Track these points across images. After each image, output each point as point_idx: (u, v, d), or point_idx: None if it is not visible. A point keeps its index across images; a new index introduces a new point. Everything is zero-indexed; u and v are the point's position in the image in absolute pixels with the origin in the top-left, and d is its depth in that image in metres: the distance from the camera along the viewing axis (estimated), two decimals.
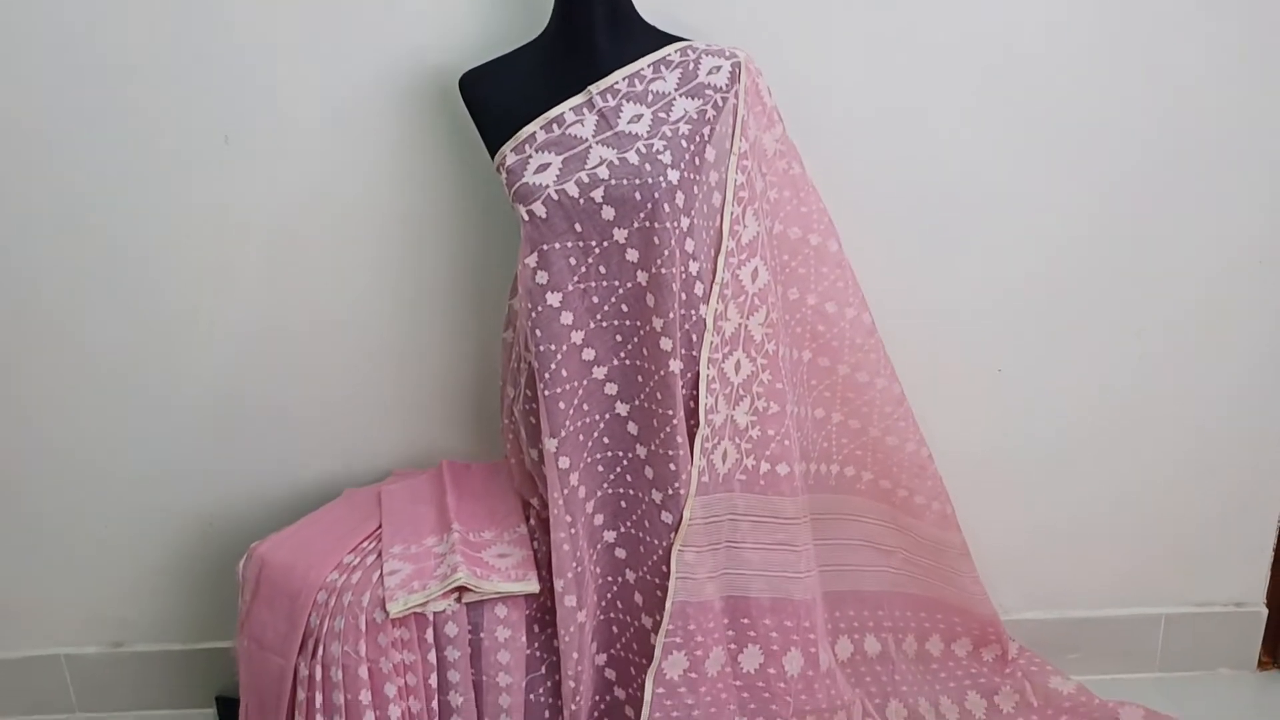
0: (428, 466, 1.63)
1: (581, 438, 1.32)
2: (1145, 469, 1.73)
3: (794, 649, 1.42)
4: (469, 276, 1.56)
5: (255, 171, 1.50)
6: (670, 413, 1.29)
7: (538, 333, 1.27)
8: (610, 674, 1.43)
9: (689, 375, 1.32)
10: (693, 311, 1.31)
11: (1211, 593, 1.80)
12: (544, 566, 1.39)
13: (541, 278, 1.26)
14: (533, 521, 1.44)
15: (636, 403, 1.33)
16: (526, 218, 1.25)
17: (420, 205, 1.52)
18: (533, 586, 1.35)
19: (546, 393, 1.28)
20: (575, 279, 1.27)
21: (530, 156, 1.26)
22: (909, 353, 1.57)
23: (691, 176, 1.27)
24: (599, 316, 1.30)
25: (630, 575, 1.39)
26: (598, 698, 1.43)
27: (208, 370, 1.61)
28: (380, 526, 1.46)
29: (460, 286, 1.57)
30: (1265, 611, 1.79)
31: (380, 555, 1.40)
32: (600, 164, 1.25)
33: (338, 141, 1.48)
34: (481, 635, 1.34)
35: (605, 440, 1.35)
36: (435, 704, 1.34)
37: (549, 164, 1.26)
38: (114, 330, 1.58)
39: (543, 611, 1.39)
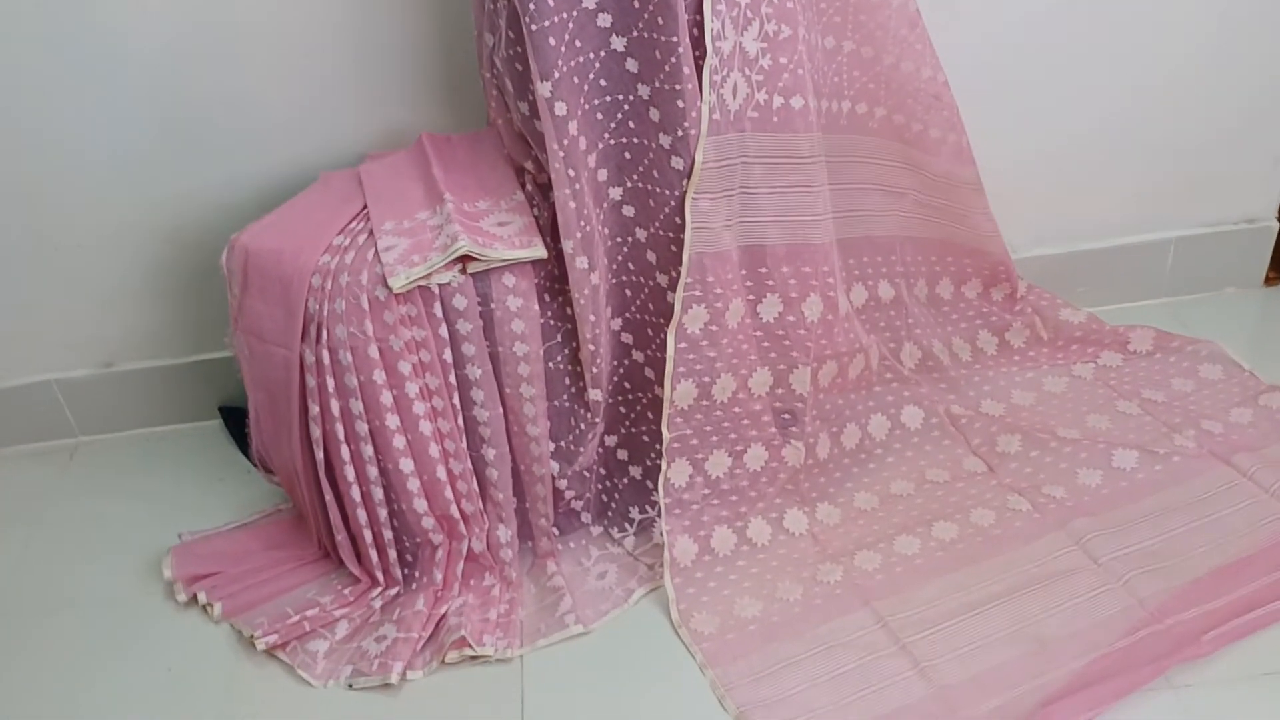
0: (404, 147, 1.50)
1: (576, 80, 1.19)
2: (1156, 77, 1.63)
3: (813, 294, 1.37)
4: None
5: None
6: (674, 40, 1.16)
7: None
8: (627, 338, 1.38)
9: None
10: None
11: (1222, 212, 1.76)
12: (547, 233, 1.31)
13: None
14: (529, 188, 1.33)
15: (635, 34, 1.19)
16: None
17: None
18: (540, 252, 1.27)
19: (534, 27, 1.14)
20: None
21: None
22: None
23: None
24: None
25: (641, 233, 1.31)
26: (615, 363, 1.40)
27: (147, 52, 1.44)
28: (365, 207, 1.36)
29: None
30: (1277, 226, 1.76)
31: (371, 234, 1.30)
32: None
33: None
34: (492, 306, 1.28)
35: (602, 83, 1.22)
36: (453, 378, 1.30)
37: None
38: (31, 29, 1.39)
39: (551, 279, 1.33)
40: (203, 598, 1.39)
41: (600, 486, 1.45)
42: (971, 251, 1.64)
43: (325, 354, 1.27)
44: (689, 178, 1.24)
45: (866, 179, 1.50)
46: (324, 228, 1.33)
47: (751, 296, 1.35)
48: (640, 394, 1.41)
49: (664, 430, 1.34)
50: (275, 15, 1.44)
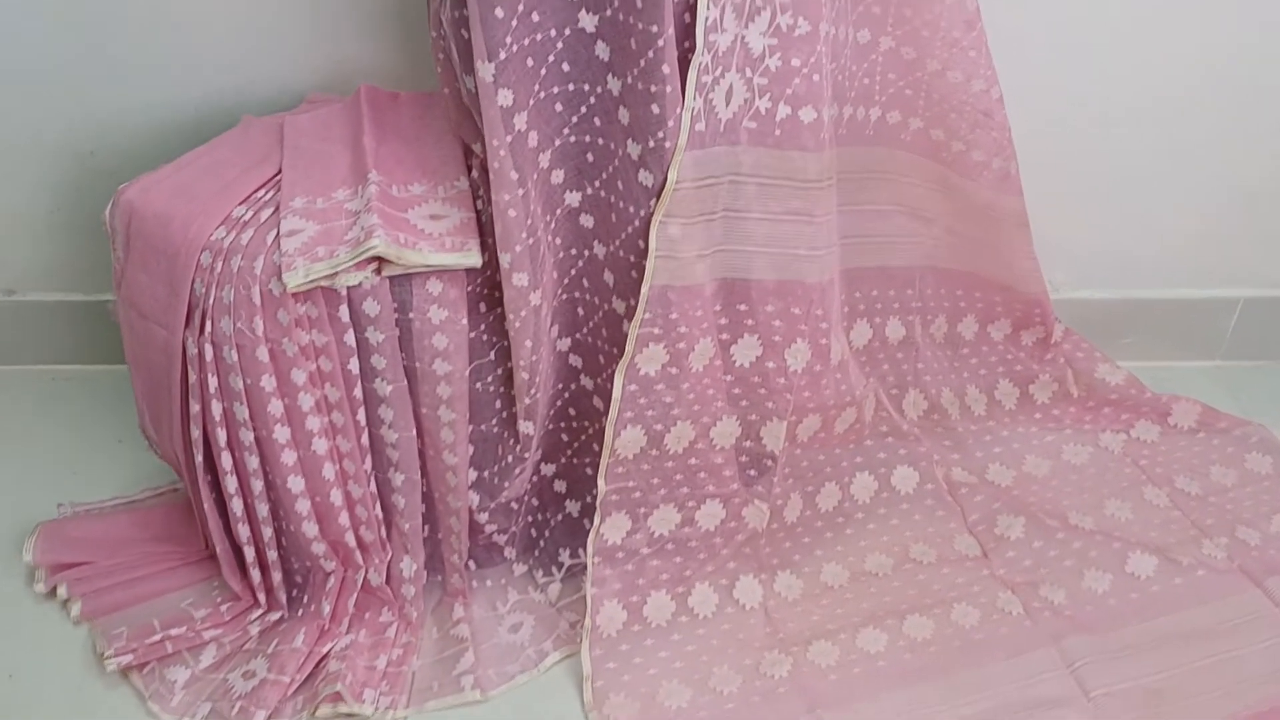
0: (350, 92, 1.27)
1: (531, 62, 0.95)
2: (1234, 104, 1.38)
3: (800, 340, 1.15)
4: None
5: None
6: (655, 29, 0.91)
7: None
8: (575, 361, 1.17)
9: None
10: None
11: None
12: (490, 233, 1.08)
13: None
14: (476, 174, 1.10)
15: (608, 12, 0.94)
16: None
17: None
18: (473, 259, 1.05)
19: None
20: None
21: None
22: None
23: None
24: None
25: (600, 249, 1.08)
26: (561, 386, 1.19)
27: None
28: (280, 171, 1.14)
29: None
30: None
31: (278, 209, 1.08)
32: None
33: None
34: (411, 316, 1.07)
35: (565, 67, 0.98)
36: (359, 392, 1.09)
37: None
38: None
39: (490, 287, 1.11)
40: (63, 592, 1.23)
41: (530, 520, 1.26)
42: (1004, 288, 1.41)
43: (208, 348, 1.07)
44: (658, 197, 1.00)
45: (890, 200, 1.26)
46: (227, 192, 1.11)
47: (726, 336, 1.13)
48: (587, 423, 1.21)
49: (600, 482, 1.14)
50: None
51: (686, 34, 0.95)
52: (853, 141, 1.18)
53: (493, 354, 1.14)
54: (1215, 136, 1.41)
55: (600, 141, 1.02)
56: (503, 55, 0.92)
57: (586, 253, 1.09)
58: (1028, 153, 1.29)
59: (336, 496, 1.13)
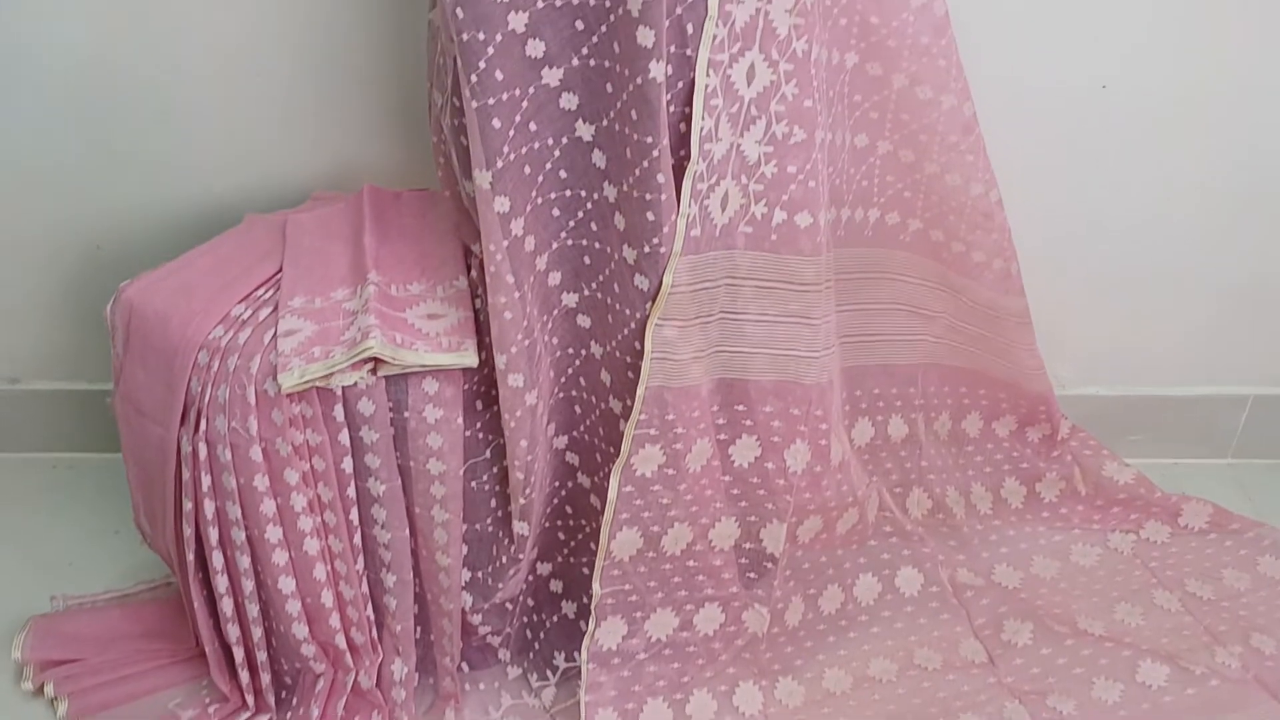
0: (355, 189, 1.28)
1: (528, 169, 0.96)
2: (1242, 192, 1.37)
3: (799, 441, 1.13)
4: None
5: None
6: (649, 140, 0.92)
7: (460, 13, 0.88)
8: (572, 459, 1.16)
9: (680, 85, 0.93)
10: None
11: None
12: (488, 331, 1.08)
13: None
14: (474, 274, 1.11)
15: (604, 123, 0.95)
16: None
17: None
18: (469, 359, 1.05)
19: (475, 104, 0.90)
20: None
21: None
22: (984, 58, 1.17)
23: None
24: None
25: (596, 348, 1.08)
26: (558, 484, 1.18)
27: (73, 53, 1.24)
28: (281, 269, 1.14)
29: None
30: None
31: (277, 308, 1.09)
32: None
33: None
34: (406, 415, 1.06)
35: (562, 174, 0.99)
36: (351, 491, 1.08)
37: None
38: None
39: (487, 385, 1.10)
40: (50, 690, 1.20)
41: (525, 620, 1.23)
42: (1008, 385, 1.39)
43: (203, 446, 1.06)
44: (653, 301, 1.00)
45: (890, 298, 1.25)
46: (227, 291, 1.12)
47: (724, 436, 1.12)
48: (584, 521, 1.19)
49: (595, 585, 1.11)
50: (222, 24, 1.23)
51: (682, 142, 0.96)
52: (852, 242, 1.18)
53: (488, 452, 1.13)
54: (1222, 229, 1.40)
55: (597, 245, 1.02)
56: (500, 164, 0.93)
57: (584, 352, 1.09)
58: (1030, 247, 1.29)
59: (328, 598, 1.11)
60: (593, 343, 1.08)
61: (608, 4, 0.90)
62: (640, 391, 1.04)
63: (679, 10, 0.90)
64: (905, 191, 1.18)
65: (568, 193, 1.00)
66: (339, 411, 1.05)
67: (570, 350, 1.09)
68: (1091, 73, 1.27)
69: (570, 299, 1.06)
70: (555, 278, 1.04)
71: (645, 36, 0.88)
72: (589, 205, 1.00)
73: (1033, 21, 1.22)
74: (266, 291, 1.12)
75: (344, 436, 1.06)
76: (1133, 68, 1.26)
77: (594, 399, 1.11)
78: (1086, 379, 1.49)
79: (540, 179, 0.98)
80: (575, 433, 1.14)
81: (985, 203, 1.19)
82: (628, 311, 1.02)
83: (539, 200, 0.99)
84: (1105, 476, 1.43)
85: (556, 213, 1.00)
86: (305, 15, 1.23)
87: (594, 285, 1.04)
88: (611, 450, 1.11)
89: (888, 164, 1.16)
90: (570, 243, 1.03)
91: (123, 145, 1.31)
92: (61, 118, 1.30)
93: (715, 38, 0.92)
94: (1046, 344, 1.37)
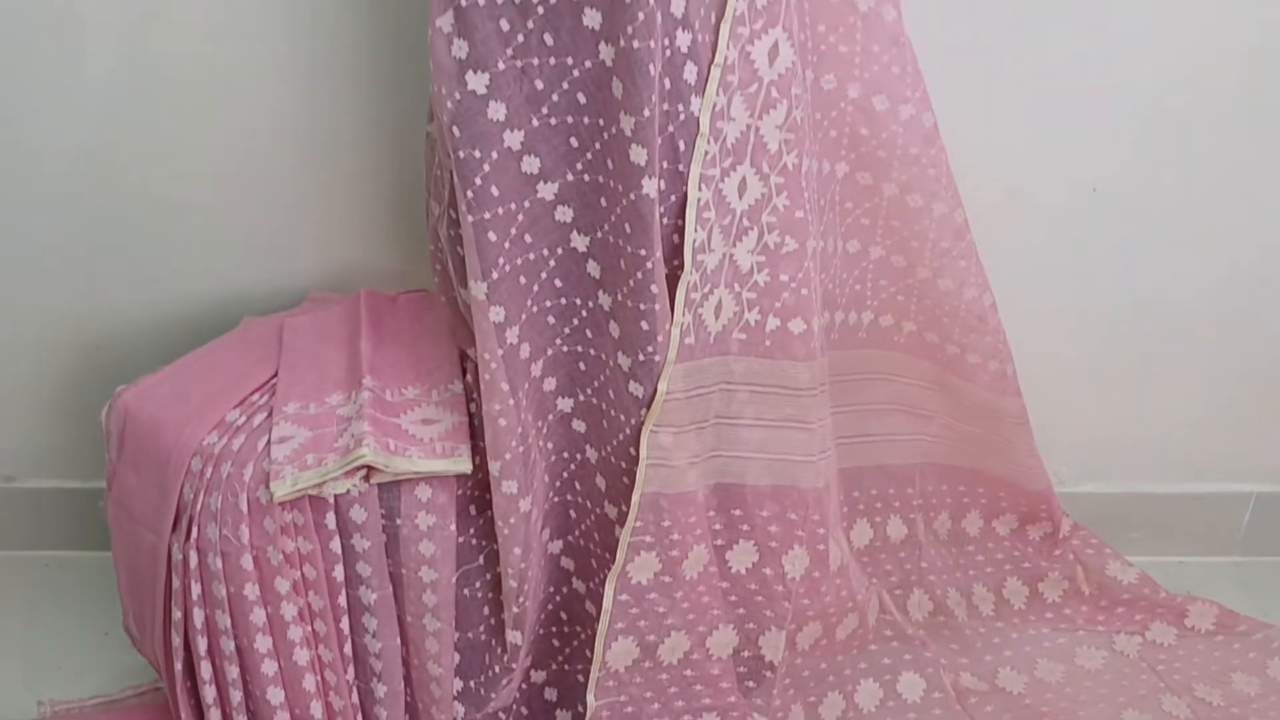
0: (351, 290, 1.29)
1: (524, 279, 0.97)
2: (1246, 277, 1.37)
3: (798, 546, 1.12)
4: (386, 33, 1.16)
5: None
6: (643, 253, 0.93)
7: (456, 131, 0.89)
8: (568, 563, 1.15)
9: (673, 199, 0.95)
10: (679, 106, 0.92)
11: None
12: (482, 435, 1.08)
13: (460, 49, 0.87)
14: (470, 378, 1.11)
15: (599, 235, 0.96)
16: None
17: None
18: (463, 465, 1.04)
19: (471, 218, 0.92)
20: (509, 52, 0.88)
21: None
22: (974, 164, 1.19)
23: None
24: (545, 110, 0.91)
25: (592, 453, 1.07)
26: (553, 589, 1.16)
27: (71, 151, 1.25)
28: (277, 374, 1.15)
29: (376, 47, 1.17)
30: None
31: (271, 414, 1.09)
32: None
33: None
34: (398, 522, 1.05)
35: (557, 283, 1.00)
36: (342, 599, 1.07)
37: None
38: None
39: (481, 490, 1.10)
40: None
41: None
42: (1008, 484, 1.38)
43: (193, 554, 1.05)
44: (648, 407, 1.00)
45: (885, 398, 1.25)
46: (222, 396, 1.12)
47: (720, 542, 1.11)
48: (579, 628, 1.17)
49: (590, 697, 1.09)
50: (221, 126, 1.25)
51: (675, 253, 0.97)
52: (846, 345, 1.19)
53: (481, 559, 1.11)
54: (1219, 325, 1.40)
55: (591, 352, 1.02)
56: (496, 275, 0.94)
57: (579, 456, 1.09)
58: (1025, 344, 1.29)
59: (317, 709, 1.09)
60: (588, 447, 1.07)
61: (601, 123, 0.91)
62: (635, 498, 1.03)
63: (671, 128, 0.92)
64: (898, 295, 1.19)
65: (563, 301, 1.00)
66: (330, 519, 1.04)
67: (565, 455, 1.09)
68: (1082, 174, 1.28)
69: (565, 404, 1.06)
70: (550, 383, 1.04)
71: (638, 155, 0.89)
72: (584, 313, 1.01)
73: (1023, 125, 1.24)
74: (262, 396, 1.12)
75: (335, 544, 1.05)
76: (1124, 169, 1.28)
77: (589, 504, 1.10)
78: (1086, 476, 1.48)
79: (536, 288, 0.98)
80: (570, 537, 1.13)
81: (979, 306, 1.20)
82: (623, 418, 1.02)
83: (534, 308, 0.99)
84: (1109, 576, 1.41)
85: (552, 320, 1.01)
86: (303, 118, 1.25)
87: (589, 391, 1.04)
88: (607, 556, 1.09)
89: (880, 268, 1.17)
90: (565, 349, 1.03)
91: (120, 245, 1.32)
92: (60, 216, 1.31)
93: (707, 153, 0.94)
94: (1045, 440, 1.36)
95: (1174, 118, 1.26)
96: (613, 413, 1.03)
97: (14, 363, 1.41)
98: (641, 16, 0.85)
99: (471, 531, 1.10)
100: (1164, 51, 1.21)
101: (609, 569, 1.08)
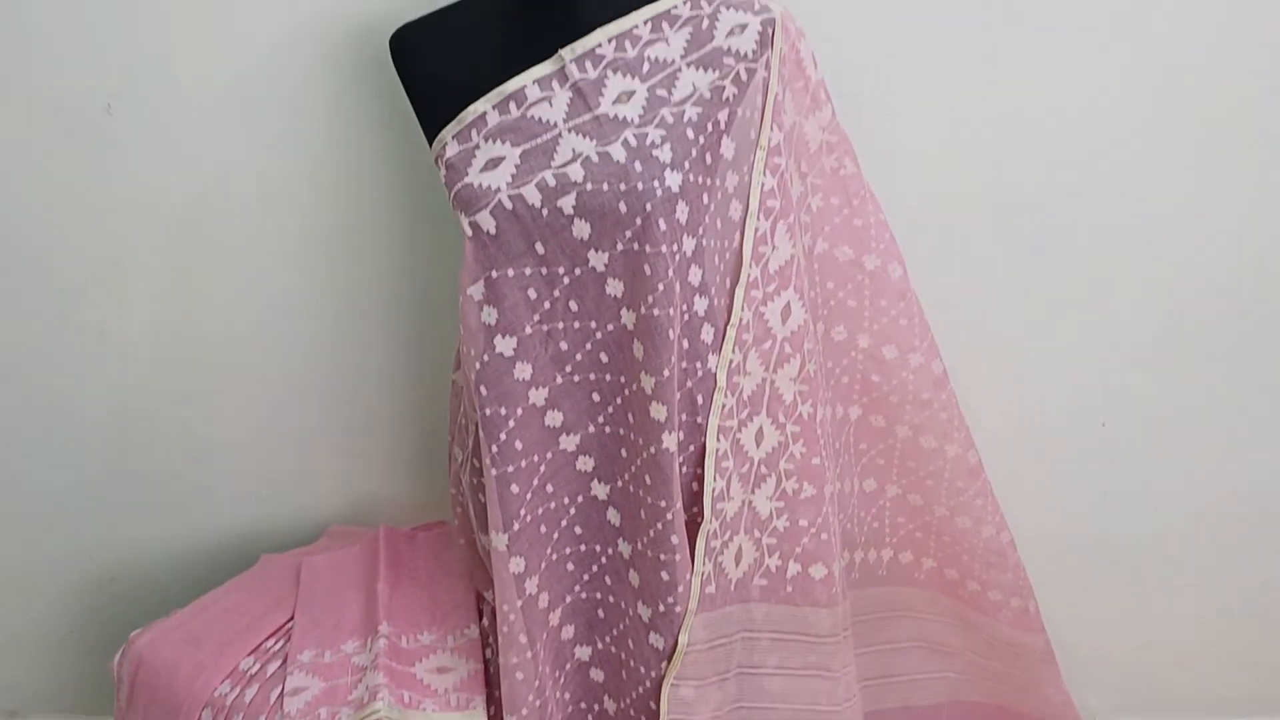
0: (371, 522, 1.30)
1: (544, 529, 0.98)
2: (1258, 529, 1.37)
3: None
4: (415, 285, 1.22)
5: (144, 147, 1.16)
6: (663, 504, 0.94)
7: (484, 390, 0.93)
8: None
9: (692, 449, 0.97)
10: (698, 364, 0.95)
11: None
12: (498, 684, 1.06)
13: (489, 316, 0.92)
14: (486, 622, 1.10)
15: (619, 484, 0.98)
16: (470, 232, 0.90)
17: (354, 194, 1.18)
18: (478, 718, 1.02)
19: (495, 472, 0.94)
20: (536, 318, 0.92)
21: (478, 146, 0.91)
22: (985, 403, 1.21)
23: (700, 181, 0.92)
24: (569, 369, 0.95)
25: (610, 704, 1.05)
26: None
27: (99, 391, 1.29)
28: (293, 617, 1.14)
29: (405, 297, 1.23)
30: None
31: (286, 662, 1.07)
32: (573, 160, 0.90)
33: (243, 116, 1.14)
34: None
35: (577, 530, 1.00)
36: None
37: (502, 158, 0.90)
38: None
39: None
40: None
41: None
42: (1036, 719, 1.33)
43: None
44: (669, 660, 0.99)
45: (909, 636, 1.23)
46: (237, 641, 1.10)
47: None
48: None
49: None
50: (246, 363, 1.29)
51: (694, 500, 0.98)
52: (866, 584, 1.18)
53: None
54: (1241, 549, 1.38)
55: (611, 599, 1.02)
56: (516, 526, 0.95)
57: (596, 707, 1.06)
58: (1047, 574, 1.27)
59: None
60: (606, 697, 1.05)
61: (622, 380, 0.95)
62: None
63: (689, 384, 0.95)
64: (916, 532, 1.19)
65: (582, 548, 1.01)
66: None
67: (583, 705, 1.06)
68: (1092, 408, 1.31)
69: (583, 652, 1.05)
70: (569, 631, 1.03)
71: (658, 411, 0.92)
72: (603, 560, 1.01)
73: (1033, 362, 1.27)
74: (277, 642, 1.11)
75: None
76: (1132, 403, 1.30)
77: None
78: (1119, 709, 1.43)
79: (556, 535, 0.99)
80: None
81: (997, 543, 1.19)
82: (642, 670, 1.00)
83: (554, 556, 1.00)
84: None
85: (571, 567, 1.01)
86: (330, 355, 1.28)
87: (608, 639, 1.03)
88: None
89: (897, 506, 1.17)
90: (584, 596, 1.03)
91: (146, 481, 1.34)
92: (82, 451, 1.32)
93: (724, 406, 0.97)
94: (1073, 670, 1.32)
95: (1175, 350, 1.29)
96: (632, 663, 1.01)
97: (26, 595, 1.40)
98: (661, 287, 0.90)
99: None
100: (1158, 297, 1.26)
101: None
